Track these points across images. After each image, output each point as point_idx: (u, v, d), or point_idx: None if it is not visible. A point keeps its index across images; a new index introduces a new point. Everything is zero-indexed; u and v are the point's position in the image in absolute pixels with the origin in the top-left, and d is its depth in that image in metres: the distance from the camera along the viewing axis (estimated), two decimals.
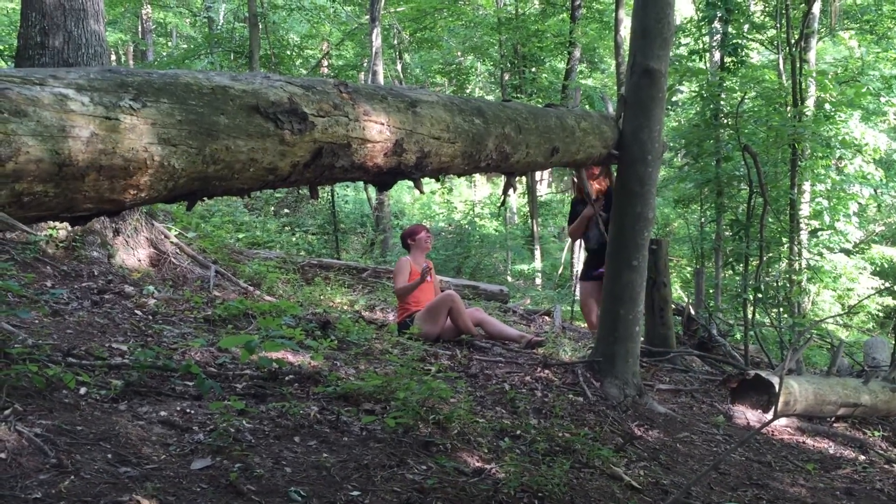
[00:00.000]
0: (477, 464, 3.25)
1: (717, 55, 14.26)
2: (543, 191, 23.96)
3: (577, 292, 12.08)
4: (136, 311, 4.82)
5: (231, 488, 2.54)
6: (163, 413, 3.12)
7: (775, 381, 5.03)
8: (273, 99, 2.38)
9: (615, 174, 5.14)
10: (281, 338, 3.99)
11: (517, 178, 4.64)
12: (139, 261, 5.91)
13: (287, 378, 3.92)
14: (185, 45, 24.22)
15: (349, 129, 2.66)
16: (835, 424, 5.53)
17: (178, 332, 4.53)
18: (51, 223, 5.34)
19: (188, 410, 3.20)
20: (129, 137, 1.94)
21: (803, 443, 5.00)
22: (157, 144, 2.01)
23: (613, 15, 15.59)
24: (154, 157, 2.00)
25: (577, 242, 15.91)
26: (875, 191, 15.36)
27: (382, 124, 2.83)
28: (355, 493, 2.71)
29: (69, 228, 5.38)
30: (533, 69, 19.84)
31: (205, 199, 2.38)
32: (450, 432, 3.48)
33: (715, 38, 14.08)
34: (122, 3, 20.17)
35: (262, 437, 3.04)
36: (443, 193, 20.16)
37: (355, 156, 2.73)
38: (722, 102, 13.06)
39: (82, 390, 3.19)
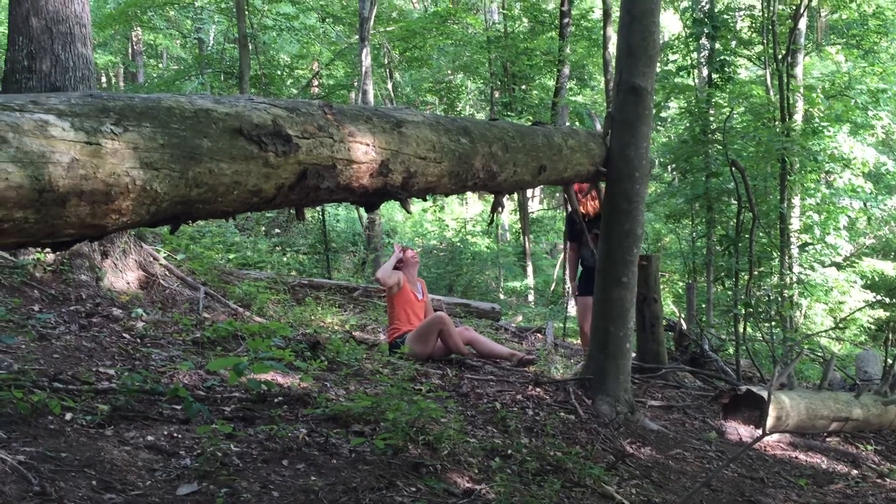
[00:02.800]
0: (467, 485, 3.23)
1: (705, 71, 14.38)
2: (535, 207, 24.01)
3: (573, 307, 12.07)
4: (124, 335, 4.79)
5: None
6: (149, 438, 3.09)
7: (766, 395, 5.02)
8: (257, 121, 2.38)
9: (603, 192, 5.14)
10: (270, 359, 3.97)
11: (506, 196, 4.65)
12: (128, 283, 5.88)
13: (276, 400, 3.89)
14: (176, 67, 24.28)
15: (334, 150, 2.66)
16: (827, 439, 5.52)
17: (167, 355, 4.50)
18: None
19: (175, 435, 3.17)
20: (111, 162, 1.93)
21: (796, 458, 4.98)
22: (139, 169, 2.00)
23: (601, 32, 15.69)
24: (136, 182, 2.00)
25: (567, 268, 15.94)
26: (865, 204, 15.45)
27: (368, 145, 2.83)
28: None
29: (56, 252, 5.35)
30: (523, 87, 19.95)
31: (188, 222, 2.37)
32: (440, 453, 3.45)
33: (702, 54, 14.19)
34: (112, 25, 20.17)
35: (249, 461, 3.01)
36: (434, 211, 20.17)
37: (340, 177, 2.73)
38: (710, 118, 13.15)
39: (68, 416, 3.16)
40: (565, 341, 9.16)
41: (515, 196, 17.79)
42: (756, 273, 10.53)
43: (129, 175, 1.98)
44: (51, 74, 5.59)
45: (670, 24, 19.07)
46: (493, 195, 4.46)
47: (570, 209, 6.58)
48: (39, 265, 5.39)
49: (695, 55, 14.52)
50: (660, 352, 6.34)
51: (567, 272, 7.24)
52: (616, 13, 13.51)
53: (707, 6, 13.48)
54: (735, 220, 9.44)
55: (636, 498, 3.51)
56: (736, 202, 9.83)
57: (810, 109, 14.41)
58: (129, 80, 26.30)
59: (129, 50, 25.61)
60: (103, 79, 25.97)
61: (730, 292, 11.10)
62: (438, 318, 5.98)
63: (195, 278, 6.88)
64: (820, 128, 13.84)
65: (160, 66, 27.56)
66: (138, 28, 22.85)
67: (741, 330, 7.18)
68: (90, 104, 1.97)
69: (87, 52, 5.82)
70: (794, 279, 13.21)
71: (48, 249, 4.81)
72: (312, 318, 7.24)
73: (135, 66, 25.36)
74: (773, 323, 9.09)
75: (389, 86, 22.45)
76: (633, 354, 5.64)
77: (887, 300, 14.88)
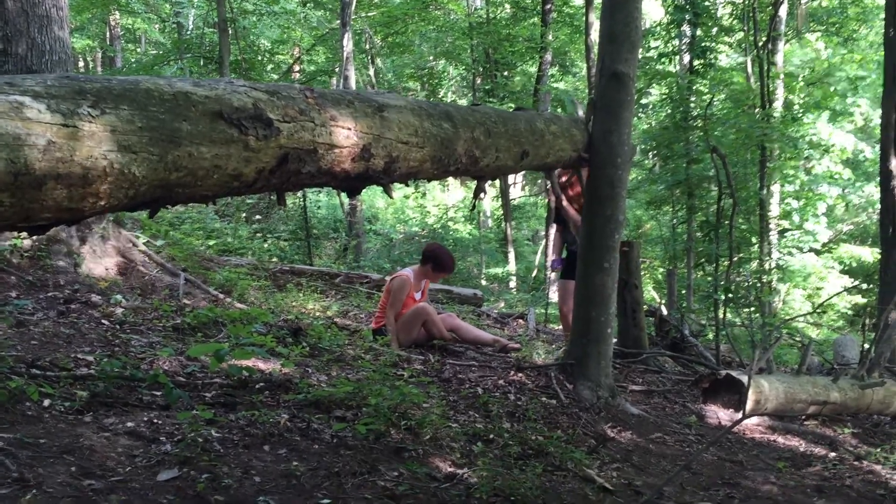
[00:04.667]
0: (449, 469, 3.23)
1: (687, 58, 14.41)
2: (517, 194, 24.03)
3: (554, 293, 12.12)
4: (103, 321, 4.75)
5: (198, 499, 2.50)
6: (129, 424, 3.07)
7: (746, 379, 5.06)
8: (237, 104, 2.36)
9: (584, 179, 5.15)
10: (251, 345, 3.96)
11: (488, 182, 4.64)
12: (106, 269, 5.83)
13: (257, 386, 3.88)
14: (155, 52, 23.99)
15: (315, 134, 2.64)
16: (805, 422, 5.58)
17: (147, 342, 4.47)
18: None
19: (155, 421, 3.15)
20: (88, 145, 1.91)
21: (774, 441, 5.03)
22: (117, 152, 1.98)
23: (584, 19, 15.68)
24: (114, 165, 1.97)
25: (552, 245, 16.00)
26: (843, 191, 15.59)
27: (349, 129, 2.81)
28: (325, 501, 2.69)
29: (34, 237, 5.29)
30: (505, 73, 19.90)
31: (168, 206, 2.35)
32: (422, 438, 3.46)
33: (684, 41, 14.22)
34: (90, 9, 19.90)
35: (230, 447, 3.00)
36: (416, 198, 20.14)
37: (322, 161, 2.71)
38: (691, 105, 13.19)
39: (46, 402, 3.14)
40: (547, 327, 9.19)
41: (497, 182, 17.78)
42: (736, 259, 10.59)
43: (106, 158, 1.95)
44: (27, 58, 5.50)
45: (652, 10, 19.09)
46: (475, 181, 4.45)
47: (553, 196, 6.60)
48: (16, 251, 5.33)
49: (676, 42, 14.54)
50: (641, 337, 6.37)
51: (551, 249, 7.34)
52: None
53: None
54: (715, 207, 9.49)
55: (617, 481, 3.53)
56: (716, 188, 9.88)
57: (790, 96, 14.50)
58: (107, 65, 25.98)
59: (107, 34, 25.27)
60: (81, 63, 25.64)
61: (710, 278, 11.18)
62: (422, 310, 5.99)
63: (175, 264, 6.84)
64: (799, 115, 13.93)
65: (138, 50, 27.23)
66: (116, 12, 22.57)
67: (721, 315, 7.24)
68: (67, 86, 1.94)
69: (64, 36, 5.73)
70: (773, 265, 13.32)
71: (25, 234, 4.76)
72: (294, 304, 7.22)
73: (113, 51, 25.04)
74: (753, 308, 9.18)
75: (371, 72, 22.33)
76: (614, 340, 5.66)
77: (864, 286, 15.04)
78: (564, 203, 6.22)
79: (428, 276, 6.27)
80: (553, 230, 7.10)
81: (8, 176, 1.74)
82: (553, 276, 14.45)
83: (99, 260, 5.81)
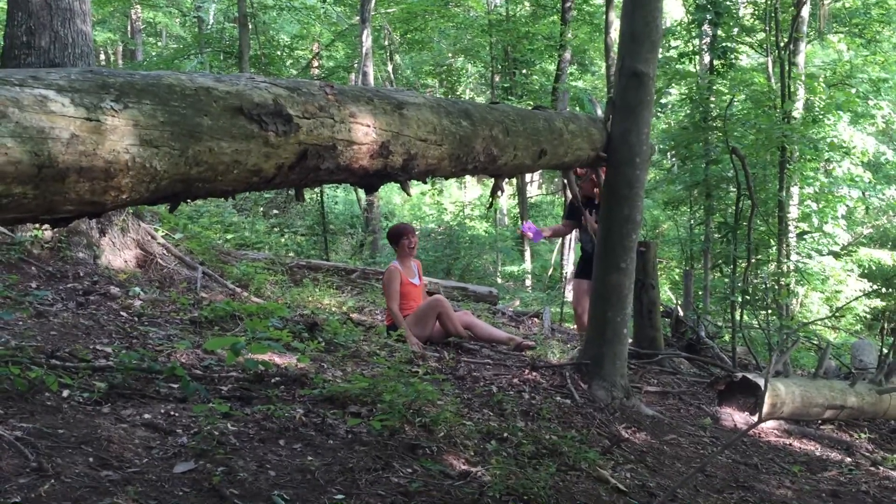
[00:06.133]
0: (463, 467, 3.24)
1: (707, 58, 14.32)
2: (534, 192, 23.99)
3: (570, 292, 12.09)
4: (121, 313, 4.79)
5: (213, 492, 2.52)
6: (146, 416, 3.10)
7: (762, 382, 5.03)
8: (257, 100, 2.37)
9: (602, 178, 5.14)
10: (267, 340, 3.98)
11: (505, 180, 4.64)
12: (125, 262, 5.87)
13: (273, 380, 3.90)
14: (175, 45, 24.14)
15: (335, 130, 2.65)
16: (821, 426, 5.55)
17: (164, 334, 4.50)
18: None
19: (172, 413, 3.18)
20: (111, 139, 1.92)
21: (790, 445, 5.01)
22: (139, 146, 1.99)
23: (604, 17, 15.62)
24: (136, 159, 1.98)
25: (567, 243, 15.96)
26: (863, 193, 15.43)
27: (368, 126, 2.82)
28: (339, 496, 2.70)
29: (54, 229, 5.34)
30: (524, 71, 19.87)
31: (188, 201, 2.36)
32: (436, 435, 3.47)
33: (704, 40, 14.13)
34: (112, 3, 20.06)
35: (246, 440, 3.02)
36: (433, 195, 20.14)
37: (341, 158, 2.72)
38: (711, 105, 13.10)
39: (65, 393, 3.17)
40: (562, 326, 9.17)
41: (514, 180, 17.77)
42: (754, 261, 10.53)
43: (128, 152, 1.96)
44: (50, 51, 5.55)
45: (672, 10, 18.98)
46: (492, 179, 4.45)
47: (570, 198, 6.59)
48: (37, 242, 5.38)
49: (697, 42, 14.45)
50: (656, 338, 6.35)
51: (549, 232, 7.52)
52: None
53: None
54: (734, 208, 9.43)
55: (631, 482, 3.52)
56: (735, 190, 9.83)
57: (811, 98, 14.37)
58: (128, 58, 26.17)
59: (129, 28, 25.44)
60: (102, 56, 25.83)
61: (727, 280, 11.12)
62: (437, 301, 5.98)
63: (193, 258, 6.87)
64: (820, 116, 13.81)
65: (159, 44, 27.40)
66: (138, 6, 22.71)
67: (738, 317, 7.20)
68: (90, 80, 1.96)
69: (87, 29, 5.78)
70: (792, 267, 13.22)
71: (46, 226, 4.78)
72: (310, 299, 7.25)
73: (134, 44, 25.22)
74: (770, 311, 9.11)
75: (390, 68, 22.35)
76: (630, 340, 5.65)
77: (883, 289, 14.89)
78: (592, 218, 6.18)
79: (404, 255, 6.24)
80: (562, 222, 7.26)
81: (32, 168, 1.76)
82: (567, 274, 14.44)
83: (118, 252, 5.86)
